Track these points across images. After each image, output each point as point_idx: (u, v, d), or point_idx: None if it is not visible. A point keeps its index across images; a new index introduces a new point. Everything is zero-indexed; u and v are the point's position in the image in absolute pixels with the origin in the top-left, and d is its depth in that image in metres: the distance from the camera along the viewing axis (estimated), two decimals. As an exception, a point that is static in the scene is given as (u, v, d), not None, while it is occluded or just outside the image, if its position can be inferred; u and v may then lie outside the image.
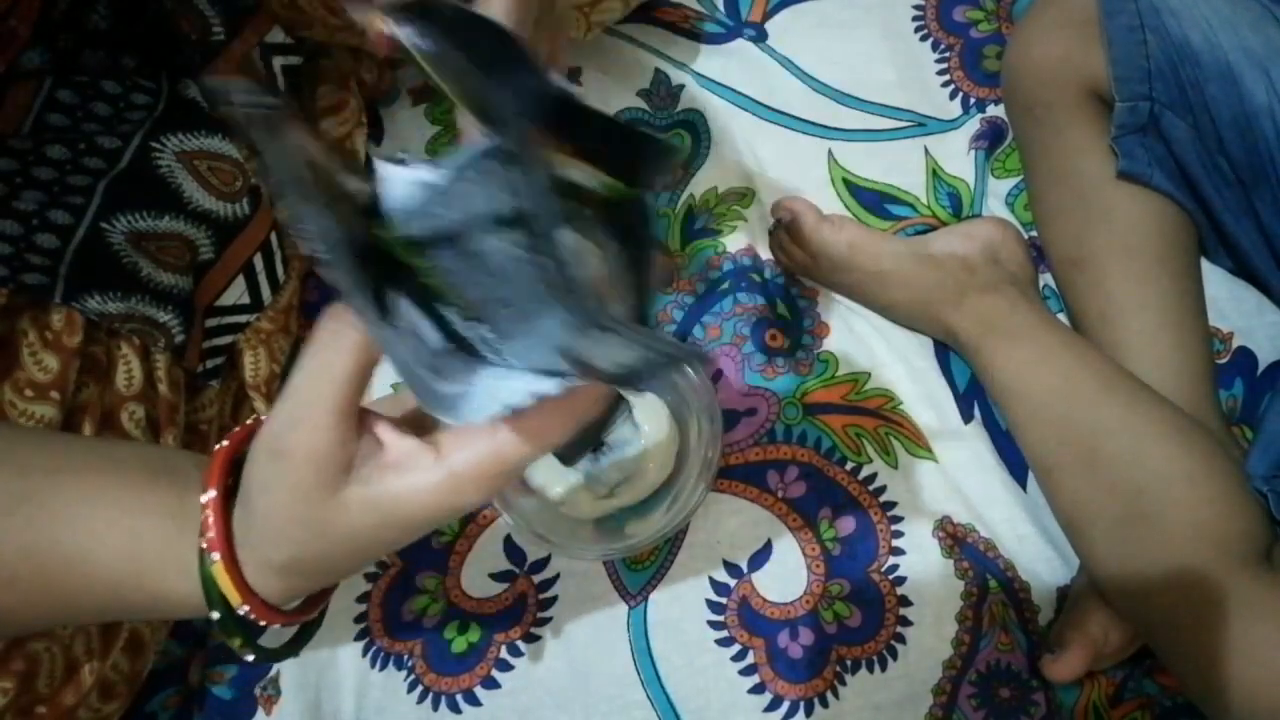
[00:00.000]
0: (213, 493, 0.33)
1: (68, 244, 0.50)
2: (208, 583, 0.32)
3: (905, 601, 0.63)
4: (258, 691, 0.61)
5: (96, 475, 0.35)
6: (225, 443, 0.34)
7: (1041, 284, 0.71)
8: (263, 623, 0.34)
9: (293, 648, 0.38)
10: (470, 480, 0.30)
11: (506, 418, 0.28)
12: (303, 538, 0.31)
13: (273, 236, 0.62)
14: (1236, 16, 0.60)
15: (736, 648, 0.62)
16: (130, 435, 0.49)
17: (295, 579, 0.33)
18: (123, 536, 0.33)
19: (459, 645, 0.63)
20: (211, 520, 0.32)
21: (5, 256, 0.48)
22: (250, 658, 0.35)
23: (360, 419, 0.31)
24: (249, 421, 0.34)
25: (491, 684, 0.62)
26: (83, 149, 0.52)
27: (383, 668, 0.62)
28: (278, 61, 0.61)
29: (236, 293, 0.60)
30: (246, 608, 0.33)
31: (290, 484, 0.30)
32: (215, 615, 0.33)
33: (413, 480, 0.30)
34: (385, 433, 0.31)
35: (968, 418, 0.67)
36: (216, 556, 0.32)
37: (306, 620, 0.38)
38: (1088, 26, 0.64)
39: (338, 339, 0.30)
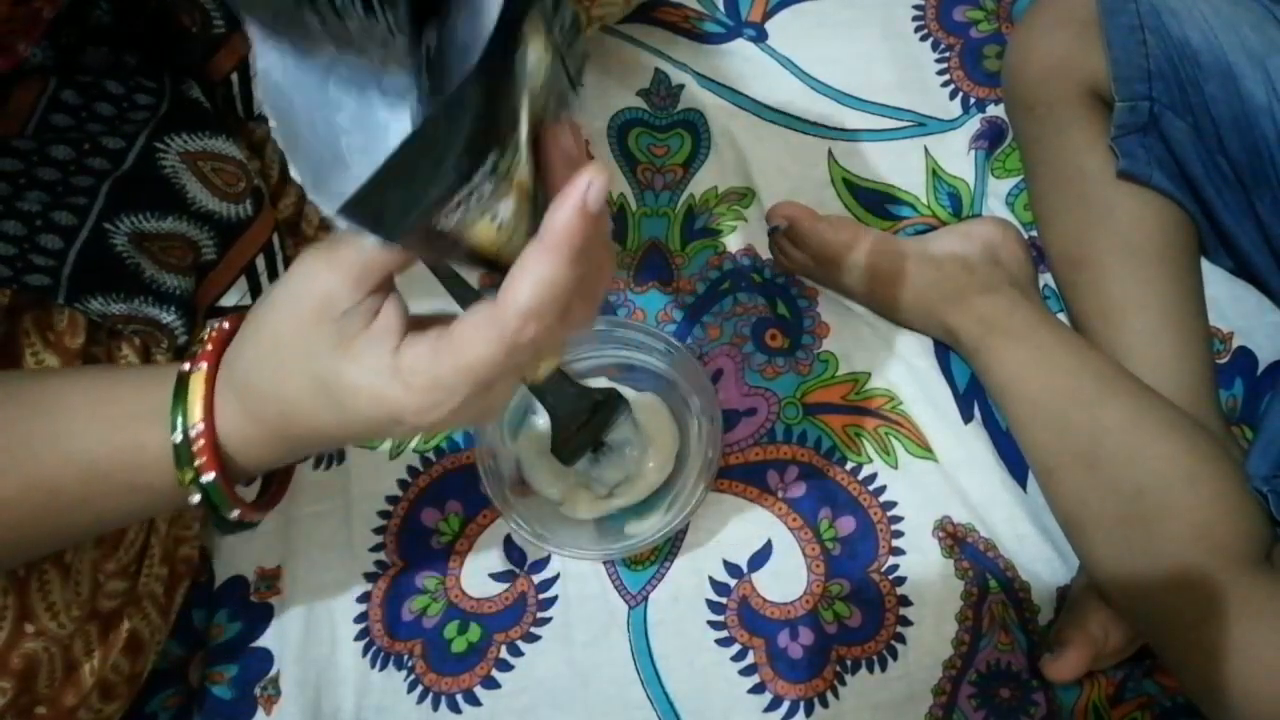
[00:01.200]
0: (222, 324, 0.35)
1: (71, 245, 0.50)
2: (176, 399, 0.34)
3: (905, 601, 0.63)
4: (258, 691, 0.61)
5: (73, 373, 0.37)
6: (226, 324, 0.35)
7: (1041, 284, 0.71)
8: (207, 469, 0.34)
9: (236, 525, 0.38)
10: (409, 387, 0.31)
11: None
12: (278, 369, 0.33)
13: (275, 238, 0.62)
14: (1237, 16, 0.60)
15: (736, 648, 0.62)
16: None
17: (258, 410, 0.34)
18: (95, 405, 0.35)
19: (459, 645, 0.63)
20: (210, 346, 0.34)
21: (8, 257, 0.48)
22: (195, 499, 0.35)
23: (385, 294, 0.33)
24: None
25: (491, 684, 0.62)
26: (87, 149, 0.52)
27: (383, 668, 0.62)
28: None
29: (238, 294, 0.60)
30: (201, 426, 0.33)
31: (291, 312, 0.32)
32: (176, 439, 0.33)
33: (363, 371, 0.31)
34: (388, 314, 0.32)
35: (968, 418, 0.67)
36: (204, 366, 0.34)
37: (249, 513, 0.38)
38: (1088, 26, 0.64)
39: None
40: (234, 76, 0.59)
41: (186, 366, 0.34)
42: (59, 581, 0.45)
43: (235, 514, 0.36)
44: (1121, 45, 0.62)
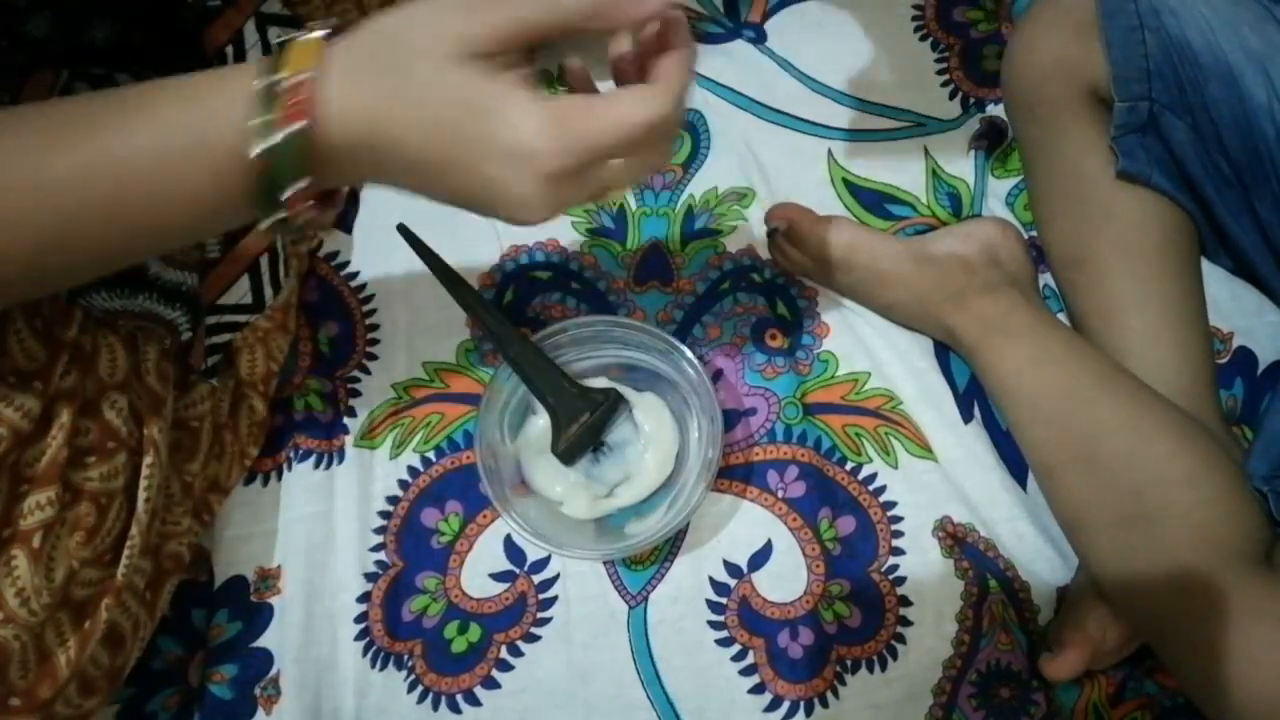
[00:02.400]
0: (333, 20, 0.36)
1: None
2: (276, 60, 0.34)
3: (905, 601, 0.63)
4: (258, 691, 0.61)
5: (149, 87, 0.36)
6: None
7: (1041, 284, 0.71)
8: (295, 118, 0.33)
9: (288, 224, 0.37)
10: (563, 127, 0.34)
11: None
12: (419, 75, 0.33)
13: (277, 238, 0.62)
14: (1237, 16, 0.60)
15: (736, 648, 0.62)
16: (113, 426, 0.49)
17: (381, 102, 0.34)
18: (173, 99, 0.35)
19: (459, 645, 0.63)
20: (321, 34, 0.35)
21: None
22: (258, 149, 0.34)
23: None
24: None
25: (491, 684, 0.62)
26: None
27: (383, 668, 0.62)
28: (273, 32, 0.61)
29: (239, 292, 0.61)
30: (307, 75, 0.33)
31: (434, 36, 0.33)
32: (263, 83, 0.33)
33: (519, 98, 0.33)
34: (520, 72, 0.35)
35: (968, 418, 0.67)
36: (318, 33, 0.35)
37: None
38: (1087, 26, 0.64)
39: None
40: (229, 50, 0.59)
41: (285, 39, 0.35)
42: (29, 566, 0.45)
43: (301, 184, 0.34)
44: (1121, 45, 0.62)
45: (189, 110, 0.34)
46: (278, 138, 0.33)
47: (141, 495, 0.50)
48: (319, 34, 0.34)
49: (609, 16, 0.36)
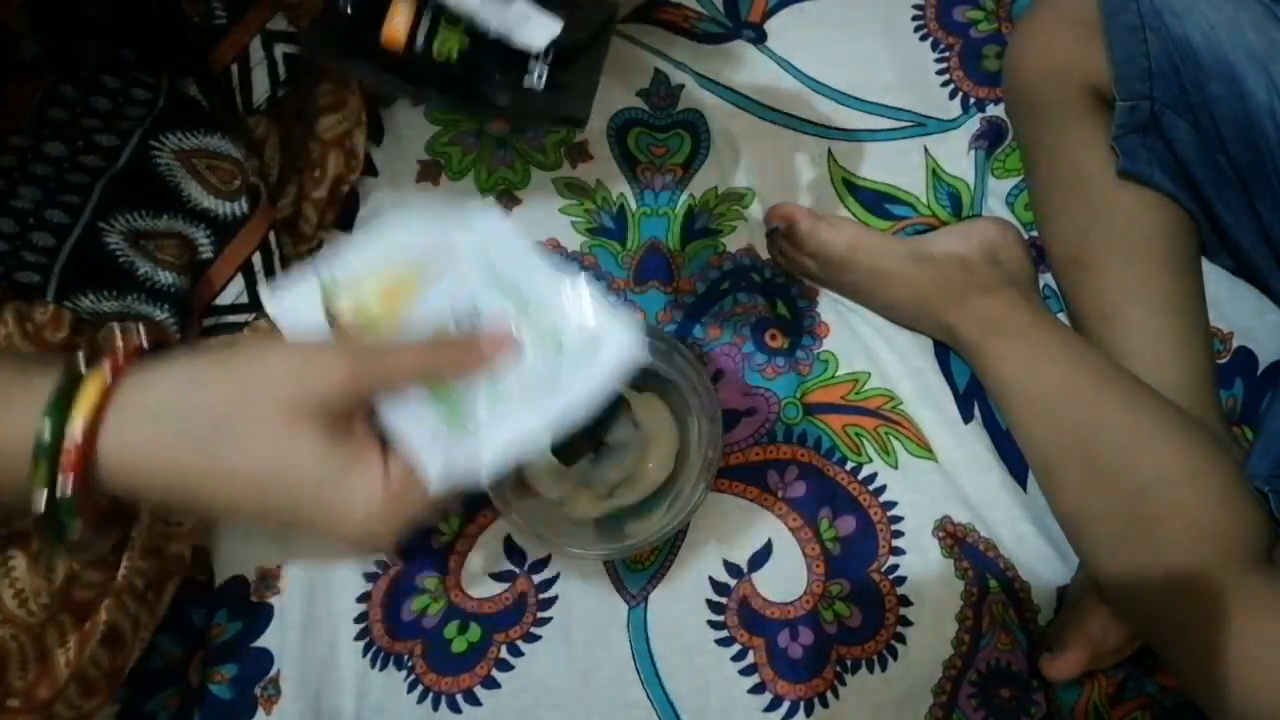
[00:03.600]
0: (138, 332, 0.33)
1: (63, 242, 0.50)
2: (60, 400, 0.31)
3: (905, 601, 0.63)
4: (257, 691, 0.61)
5: None
6: (143, 336, 0.34)
7: (1041, 284, 0.71)
8: (70, 487, 0.31)
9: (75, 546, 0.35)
10: (396, 519, 0.34)
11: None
12: (233, 414, 0.32)
13: (271, 236, 0.62)
14: (1238, 16, 0.60)
15: (736, 648, 0.62)
16: None
17: (166, 439, 0.32)
18: None
19: (459, 645, 0.63)
20: (121, 360, 0.32)
21: (0, 254, 0.48)
22: (40, 508, 0.32)
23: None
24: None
25: (491, 684, 0.62)
26: (81, 147, 0.52)
27: (383, 668, 0.62)
28: (279, 49, 0.61)
29: (235, 292, 0.60)
30: (80, 438, 0.31)
31: (283, 382, 0.32)
32: (46, 437, 0.31)
33: (353, 480, 0.33)
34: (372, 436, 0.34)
35: (968, 418, 0.67)
36: (106, 371, 0.32)
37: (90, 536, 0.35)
38: (1088, 26, 0.64)
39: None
40: (234, 68, 0.59)
41: (82, 364, 0.32)
42: (27, 568, 0.44)
43: (75, 534, 0.33)
44: (1122, 45, 0.62)
45: None
46: (59, 494, 0.32)
47: None
48: (104, 377, 0.31)
49: (453, 371, 0.35)
